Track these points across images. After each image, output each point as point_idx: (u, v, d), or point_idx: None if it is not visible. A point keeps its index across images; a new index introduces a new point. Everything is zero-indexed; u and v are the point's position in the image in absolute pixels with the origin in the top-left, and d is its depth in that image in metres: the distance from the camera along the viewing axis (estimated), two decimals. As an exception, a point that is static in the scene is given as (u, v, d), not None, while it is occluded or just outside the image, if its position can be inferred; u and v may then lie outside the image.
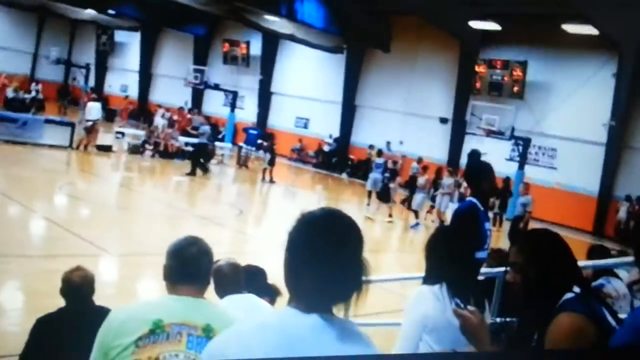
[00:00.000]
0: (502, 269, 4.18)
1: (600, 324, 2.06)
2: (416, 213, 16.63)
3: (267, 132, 27.83)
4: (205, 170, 19.43)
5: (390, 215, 16.31)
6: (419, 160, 20.14)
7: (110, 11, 32.43)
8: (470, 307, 2.41)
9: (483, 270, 5.01)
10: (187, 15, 28.56)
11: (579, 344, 2.05)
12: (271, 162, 20.95)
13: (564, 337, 2.09)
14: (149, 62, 37.83)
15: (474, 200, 4.77)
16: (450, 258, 3.09)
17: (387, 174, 17.46)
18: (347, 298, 1.64)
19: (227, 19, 27.63)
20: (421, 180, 17.15)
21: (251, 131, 24.63)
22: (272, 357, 1.52)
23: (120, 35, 39.46)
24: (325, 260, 1.60)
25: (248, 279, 3.92)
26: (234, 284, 3.68)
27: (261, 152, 23.97)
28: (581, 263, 4.89)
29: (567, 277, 2.29)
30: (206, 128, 21.46)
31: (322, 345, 1.57)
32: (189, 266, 2.50)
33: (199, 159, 19.51)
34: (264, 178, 20.91)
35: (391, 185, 17.02)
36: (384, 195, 16.72)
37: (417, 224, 16.42)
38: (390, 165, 19.31)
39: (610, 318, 2.19)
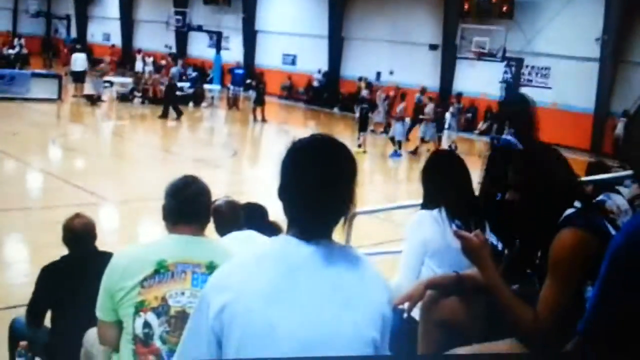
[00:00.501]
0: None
1: (602, 236, 2.02)
2: (399, 143, 16.38)
3: (254, 71, 27.58)
4: (178, 112, 19.11)
5: (359, 146, 15.97)
6: (423, 91, 19.61)
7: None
8: (471, 229, 2.40)
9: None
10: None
11: (582, 257, 2.06)
12: (260, 101, 20.82)
13: (567, 251, 2.08)
14: (129, 8, 36.91)
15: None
16: (446, 181, 3.10)
17: (365, 105, 17.37)
18: (339, 219, 1.66)
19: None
20: (428, 109, 16.93)
21: (237, 71, 24.24)
22: (275, 285, 1.55)
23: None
24: (316, 185, 1.59)
25: (248, 217, 3.92)
26: (234, 222, 3.70)
27: (250, 92, 23.79)
28: (581, 179, 4.97)
29: (568, 192, 2.26)
30: (173, 70, 21.14)
31: (322, 271, 1.59)
32: (187, 205, 2.50)
33: (169, 101, 19.26)
34: (255, 118, 20.81)
35: (370, 114, 16.93)
36: (361, 125, 16.78)
37: (396, 153, 16.27)
38: (382, 97, 19.20)
39: (612, 230, 2.17)
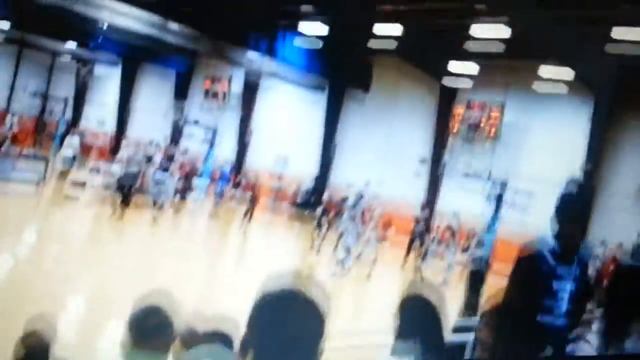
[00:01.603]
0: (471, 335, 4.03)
1: None
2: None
3: (245, 170, 27.67)
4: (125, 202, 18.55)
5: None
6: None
7: (91, 45, 32.32)
8: None
9: (453, 336, 4.70)
10: (170, 52, 28.52)
11: None
12: (252, 201, 20.78)
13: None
14: (128, 95, 37.57)
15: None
16: (418, 330, 2.99)
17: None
18: None
19: (210, 56, 27.65)
20: None
21: (225, 170, 24.36)
22: None
23: (100, 69, 39.19)
24: (277, 339, 1.60)
25: (210, 344, 3.56)
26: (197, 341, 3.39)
27: (238, 190, 23.69)
28: None
29: None
30: (132, 156, 20.34)
31: None
32: (145, 339, 2.49)
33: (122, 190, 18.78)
34: (244, 217, 20.68)
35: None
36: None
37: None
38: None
39: None
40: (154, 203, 18.81)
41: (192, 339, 3.52)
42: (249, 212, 20.66)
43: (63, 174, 20.13)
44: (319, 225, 17.32)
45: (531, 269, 3.62)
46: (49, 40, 32.85)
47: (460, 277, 15.17)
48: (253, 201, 20.82)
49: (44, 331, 3.69)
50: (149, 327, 2.52)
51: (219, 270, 13.71)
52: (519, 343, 2.34)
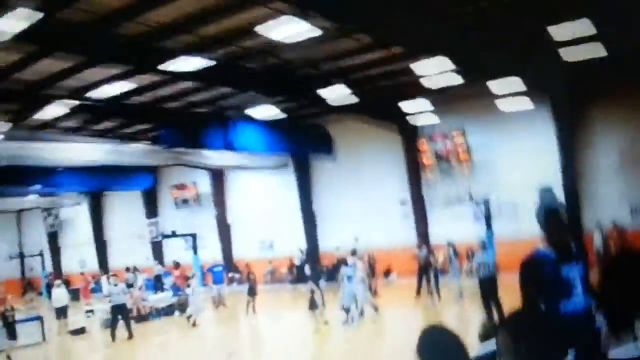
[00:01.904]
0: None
1: None
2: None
3: (234, 265, 27.53)
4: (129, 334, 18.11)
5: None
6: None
7: (52, 190, 32.23)
8: None
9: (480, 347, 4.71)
10: (131, 172, 28.63)
11: None
12: (253, 292, 20.58)
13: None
14: (100, 229, 37.39)
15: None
16: None
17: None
18: None
19: (169, 166, 27.88)
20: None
21: (215, 269, 24.17)
22: None
23: (66, 212, 39.08)
24: None
25: None
26: None
27: (234, 285, 23.48)
28: None
29: None
30: (113, 289, 18.86)
31: None
32: None
33: (115, 321, 18.24)
34: (248, 310, 20.41)
35: None
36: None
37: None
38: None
39: None
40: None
41: None
42: (251, 303, 20.43)
43: (61, 328, 19.78)
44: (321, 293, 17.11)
45: (534, 272, 3.86)
46: (10, 199, 32.76)
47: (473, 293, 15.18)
48: (252, 290, 20.64)
49: None
50: None
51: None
52: (542, 345, 2.32)
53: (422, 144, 23.94)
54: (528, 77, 17.85)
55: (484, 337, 5.14)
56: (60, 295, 20.15)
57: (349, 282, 15.97)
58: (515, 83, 18.24)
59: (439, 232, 23.59)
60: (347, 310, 15.91)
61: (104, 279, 27.82)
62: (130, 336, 17.93)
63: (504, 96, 20.24)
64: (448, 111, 23.05)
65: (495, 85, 18.93)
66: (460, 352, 3.01)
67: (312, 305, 16.73)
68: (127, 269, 27.86)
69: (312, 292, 16.93)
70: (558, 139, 20.86)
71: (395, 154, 24.94)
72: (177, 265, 26.97)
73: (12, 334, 18.02)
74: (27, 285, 36.48)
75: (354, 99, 20.00)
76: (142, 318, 21.27)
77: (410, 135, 24.29)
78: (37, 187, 32.36)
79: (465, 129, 22.79)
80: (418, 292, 19.32)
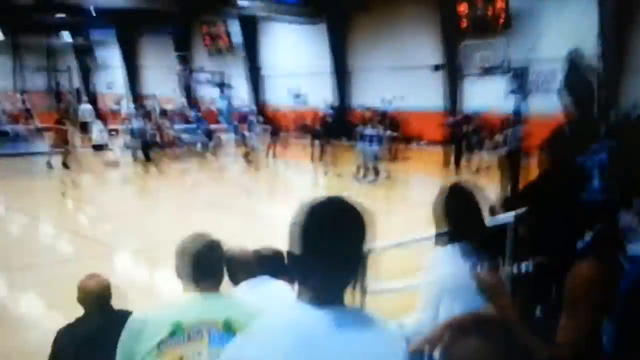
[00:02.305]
0: (511, 214, 4.16)
1: (619, 268, 2.08)
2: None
3: (265, 112, 27.68)
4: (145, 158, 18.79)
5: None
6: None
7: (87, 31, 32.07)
8: (486, 266, 2.40)
9: (494, 219, 4.66)
10: (161, 16, 28.24)
11: (599, 291, 2.10)
12: (274, 137, 20.88)
13: (584, 285, 2.12)
14: (132, 55, 37.47)
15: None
16: (460, 217, 3.07)
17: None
18: (351, 282, 1.64)
19: (203, 13, 27.31)
20: None
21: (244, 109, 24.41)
22: (290, 357, 1.52)
23: (96, 35, 38.87)
24: (328, 250, 1.59)
25: (262, 261, 3.84)
26: (247, 270, 3.66)
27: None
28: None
29: (584, 217, 2.30)
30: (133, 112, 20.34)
31: (338, 338, 1.58)
32: (198, 264, 2.51)
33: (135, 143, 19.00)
34: (268, 153, 20.76)
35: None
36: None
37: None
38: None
39: (623, 259, 2.19)
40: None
41: (241, 260, 3.67)
42: (273, 147, 20.78)
43: (83, 140, 20.40)
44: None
45: (555, 146, 3.60)
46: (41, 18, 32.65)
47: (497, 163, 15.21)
48: (275, 134, 20.93)
49: (101, 276, 3.88)
50: (198, 250, 2.53)
51: (256, 209, 13.92)
52: (561, 220, 2.30)
53: (460, 7, 22.66)
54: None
55: (500, 209, 5.22)
56: (86, 111, 20.58)
57: (363, 141, 16.11)
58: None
59: (472, 101, 23.19)
60: (360, 168, 16.18)
61: (123, 102, 28.28)
62: (148, 159, 18.52)
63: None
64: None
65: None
66: (476, 207, 3.11)
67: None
68: (148, 96, 28.30)
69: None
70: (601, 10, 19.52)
71: (432, 15, 23.88)
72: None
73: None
74: (57, 97, 37.22)
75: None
76: (165, 145, 21.81)
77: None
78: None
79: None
80: (446, 162, 18.83)
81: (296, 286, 1.68)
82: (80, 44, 37.38)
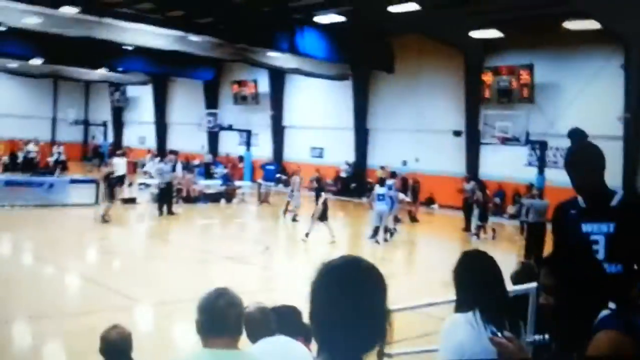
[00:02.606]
0: (534, 284, 4.08)
1: (638, 338, 2.02)
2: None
3: (283, 166, 28.31)
4: (168, 211, 19.43)
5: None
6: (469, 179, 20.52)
7: (120, 68, 33.48)
8: (506, 334, 2.37)
9: (514, 288, 4.85)
10: (195, 63, 29.35)
11: None
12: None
13: (604, 355, 2.04)
14: (162, 112, 38.73)
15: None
16: (479, 283, 3.08)
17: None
18: (372, 347, 1.64)
19: (233, 61, 28.32)
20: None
21: (268, 167, 25.04)
22: None
23: (132, 90, 40.50)
24: (346, 310, 1.59)
25: (281, 320, 3.92)
26: (265, 328, 3.72)
27: (281, 187, 24.31)
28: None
29: (602, 294, 2.24)
30: (163, 167, 20.53)
31: None
32: (218, 319, 2.57)
33: (162, 200, 19.57)
34: (286, 210, 21.17)
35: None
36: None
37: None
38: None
39: None
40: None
41: (260, 319, 3.77)
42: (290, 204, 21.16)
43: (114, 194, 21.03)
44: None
45: (556, 223, 3.56)
46: (80, 69, 34.13)
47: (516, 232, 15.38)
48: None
49: (123, 327, 4.06)
50: (219, 307, 2.60)
51: (270, 266, 14.27)
52: (582, 288, 2.23)
53: (485, 75, 23.41)
54: (604, 19, 17.21)
55: (520, 278, 5.22)
56: (120, 164, 21.31)
57: (380, 201, 16.31)
58: (588, 23, 17.61)
59: (489, 169, 23.63)
60: (376, 229, 16.36)
61: (149, 157, 29.14)
62: (171, 212, 19.10)
63: (577, 32, 19.66)
64: (517, 45, 22.52)
65: (570, 25, 18.36)
66: (496, 274, 3.18)
67: (323, 217, 16.59)
68: (171, 152, 29.11)
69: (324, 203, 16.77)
70: (627, 88, 20.01)
71: (457, 81, 24.56)
72: (241, 159, 28.10)
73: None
74: (86, 150, 38.36)
75: (423, 19, 19.74)
76: (190, 200, 22.48)
77: (475, 64, 23.78)
78: (103, 71, 33.85)
79: (535, 66, 22.13)
80: (467, 227, 18.93)
81: (314, 347, 1.69)
82: (116, 83, 38.57)
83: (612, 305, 2.23)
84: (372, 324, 1.62)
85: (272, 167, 25.36)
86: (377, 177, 21.73)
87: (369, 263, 1.69)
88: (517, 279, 5.34)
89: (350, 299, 1.59)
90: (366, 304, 1.60)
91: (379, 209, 16.17)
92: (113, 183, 18.47)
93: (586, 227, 3.26)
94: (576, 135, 3.83)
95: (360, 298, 1.60)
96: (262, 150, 30.82)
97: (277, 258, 15.34)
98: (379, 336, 1.64)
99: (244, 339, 3.00)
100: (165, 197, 19.48)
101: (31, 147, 32.73)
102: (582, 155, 3.32)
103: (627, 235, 3.17)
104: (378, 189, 16.56)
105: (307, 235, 16.08)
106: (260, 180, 25.07)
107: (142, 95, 39.72)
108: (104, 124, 40.86)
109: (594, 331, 2.11)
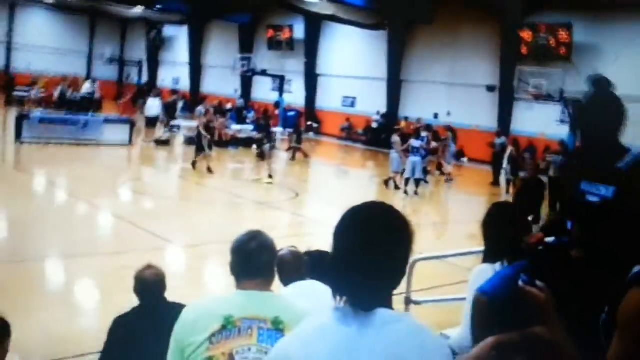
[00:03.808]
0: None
1: None
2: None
3: (314, 113, 28.21)
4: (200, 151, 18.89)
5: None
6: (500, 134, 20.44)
7: (158, 6, 33.31)
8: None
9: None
10: (231, 5, 29.08)
11: None
12: (298, 141, 21.49)
13: (636, 314, 1.95)
14: (197, 53, 38.64)
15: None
16: (508, 235, 3.09)
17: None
18: (391, 291, 1.66)
19: (269, 5, 28.00)
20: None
21: (289, 114, 24.96)
22: (334, 358, 1.56)
23: (168, 30, 40.39)
24: (371, 255, 1.59)
25: (311, 265, 3.96)
26: (297, 272, 3.76)
27: (311, 134, 24.32)
28: None
29: (636, 250, 2.13)
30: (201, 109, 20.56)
31: (381, 343, 1.57)
32: (251, 262, 2.57)
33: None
34: (293, 157, 21.29)
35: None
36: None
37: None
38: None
39: None
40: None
41: (293, 262, 3.83)
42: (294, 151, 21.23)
43: (148, 135, 21.33)
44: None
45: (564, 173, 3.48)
46: (118, 6, 34.07)
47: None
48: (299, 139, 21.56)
49: (158, 267, 4.08)
50: (251, 249, 2.60)
51: (300, 212, 14.46)
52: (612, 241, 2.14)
53: (524, 32, 22.86)
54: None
55: (550, 231, 5.36)
56: (154, 105, 21.48)
57: (413, 154, 16.37)
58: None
59: (521, 125, 23.33)
60: (407, 180, 16.47)
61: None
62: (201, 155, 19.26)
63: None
64: (557, 4, 21.94)
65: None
66: (524, 226, 3.20)
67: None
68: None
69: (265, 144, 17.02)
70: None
71: (494, 37, 24.08)
72: (277, 104, 27.96)
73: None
74: (121, 88, 38.46)
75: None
76: (222, 143, 22.66)
77: (513, 21, 23.18)
78: (140, 9, 33.63)
79: (574, 26, 21.55)
80: (495, 181, 19.14)
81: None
82: (153, 21, 38.21)
83: None
84: (395, 268, 1.64)
85: (293, 113, 25.20)
86: (405, 129, 21.67)
87: (394, 209, 1.69)
88: (547, 231, 5.42)
89: (374, 243, 1.60)
90: (390, 248, 1.61)
91: (412, 160, 16.24)
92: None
93: (584, 186, 2.80)
94: (599, 83, 3.07)
95: (384, 242, 1.60)
96: (295, 97, 30.76)
97: (307, 204, 15.48)
98: (395, 278, 1.65)
99: (277, 282, 3.03)
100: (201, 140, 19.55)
101: (88, 85, 31.77)
102: (599, 103, 2.84)
103: (622, 205, 2.71)
104: (413, 142, 16.55)
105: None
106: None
107: (178, 36, 39.67)
108: (139, 63, 40.98)
109: (627, 287, 2.02)
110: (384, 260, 1.61)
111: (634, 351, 1.94)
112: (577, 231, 2.26)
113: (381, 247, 1.60)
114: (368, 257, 1.59)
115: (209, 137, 17.58)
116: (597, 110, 2.80)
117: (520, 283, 2.20)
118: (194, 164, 17.46)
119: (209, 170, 16.88)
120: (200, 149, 17.26)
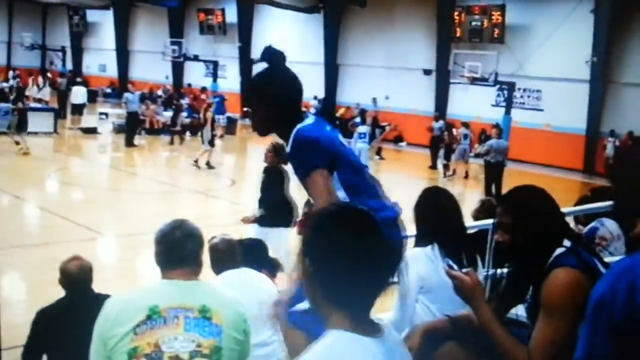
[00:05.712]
0: (492, 221, 4.12)
1: (594, 276, 2.03)
2: None
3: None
4: (129, 142, 18.78)
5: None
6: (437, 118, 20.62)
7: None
8: (464, 269, 2.39)
9: (473, 223, 5.01)
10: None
11: (575, 297, 2.03)
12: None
13: (560, 292, 2.08)
14: (124, 39, 37.24)
15: None
16: (438, 218, 3.18)
17: None
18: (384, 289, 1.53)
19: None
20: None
21: (214, 99, 24.32)
22: None
23: (92, 15, 38.71)
24: (364, 266, 1.43)
25: (246, 253, 3.92)
26: (230, 260, 3.72)
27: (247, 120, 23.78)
28: (572, 209, 4.86)
29: (557, 233, 2.26)
30: (130, 96, 19.76)
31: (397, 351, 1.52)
32: (175, 251, 2.52)
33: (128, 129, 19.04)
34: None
35: None
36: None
37: None
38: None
39: (602, 268, 2.16)
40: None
41: (225, 250, 3.78)
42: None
43: (74, 122, 20.46)
44: None
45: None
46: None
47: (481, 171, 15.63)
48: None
49: (83, 259, 3.93)
50: (175, 238, 2.54)
51: (241, 198, 14.10)
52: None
53: (458, 14, 23.05)
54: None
55: (480, 215, 5.33)
56: (79, 92, 20.61)
57: (361, 139, 16.31)
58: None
59: (457, 108, 23.58)
60: None
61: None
62: (130, 144, 18.57)
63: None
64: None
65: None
66: (456, 210, 3.27)
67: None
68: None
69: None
70: (595, 32, 20.02)
71: (429, 19, 24.16)
72: (203, 89, 27.22)
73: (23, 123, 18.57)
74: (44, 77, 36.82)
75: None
76: (153, 131, 21.91)
77: (447, 2, 23.36)
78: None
79: (506, 6, 21.87)
80: (434, 165, 19.24)
81: (279, 280, 1.53)
82: (75, 6, 36.73)
83: (566, 242, 2.22)
84: (383, 280, 1.51)
85: (216, 99, 24.54)
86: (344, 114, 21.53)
87: (366, 210, 1.54)
88: (477, 215, 5.39)
89: (359, 244, 1.44)
90: (379, 256, 1.47)
91: (360, 147, 16.17)
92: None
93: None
94: (275, 57, 2.77)
95: (368, 241, 1.46)
96: (230, 82, 30.12)
97: (244, 192, 15.12)
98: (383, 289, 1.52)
99: (208, 270, 2.96)
100: (132, 127, 18.89)
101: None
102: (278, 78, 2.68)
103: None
104: (361, 128, 16.47)
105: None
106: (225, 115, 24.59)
107: (104, 21, 38.01)
108: (63, 50, 39.21)
109: (550, 268, 2.14)
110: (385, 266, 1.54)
111: (555, 333, 2.06)
112: (502, 216, 2.34)
113: (369, 246, 1.49)
114: (376, 263, 1.50)
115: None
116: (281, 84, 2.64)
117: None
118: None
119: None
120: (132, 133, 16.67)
